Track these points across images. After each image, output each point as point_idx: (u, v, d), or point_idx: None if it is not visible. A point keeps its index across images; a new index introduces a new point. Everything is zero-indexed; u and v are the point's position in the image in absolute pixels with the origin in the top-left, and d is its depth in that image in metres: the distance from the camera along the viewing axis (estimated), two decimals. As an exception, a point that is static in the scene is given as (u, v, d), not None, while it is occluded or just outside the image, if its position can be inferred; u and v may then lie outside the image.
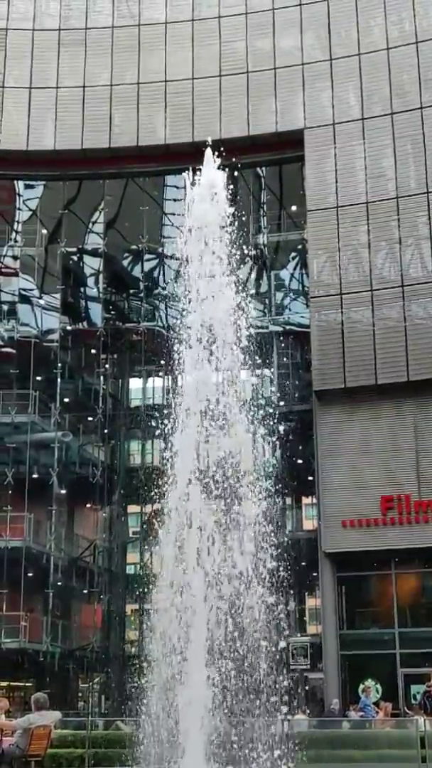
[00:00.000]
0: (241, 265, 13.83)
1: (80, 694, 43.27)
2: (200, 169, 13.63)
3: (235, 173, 13.92)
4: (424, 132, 33.61)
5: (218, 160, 13.85)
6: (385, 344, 32.40)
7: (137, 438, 43.60)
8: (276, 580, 12.48)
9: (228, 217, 13.52)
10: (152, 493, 13.59)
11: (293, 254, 40.09)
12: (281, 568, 12.60)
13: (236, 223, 13.62)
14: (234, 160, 13.79)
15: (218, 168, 13.81)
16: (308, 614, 43.14)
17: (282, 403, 38.95)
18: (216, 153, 13.96)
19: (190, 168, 13.68)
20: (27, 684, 39.14)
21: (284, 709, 12.17)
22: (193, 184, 13.56)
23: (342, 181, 34.48)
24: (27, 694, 35.21)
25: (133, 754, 12.76)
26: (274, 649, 12.21)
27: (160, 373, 42.20)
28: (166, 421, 13.20)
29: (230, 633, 12.01)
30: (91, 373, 41.78)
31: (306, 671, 37.47)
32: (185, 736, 11.55)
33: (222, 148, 14.30)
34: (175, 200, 39.10)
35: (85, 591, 41.95)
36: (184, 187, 13.81)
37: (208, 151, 13.87)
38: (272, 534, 12.63)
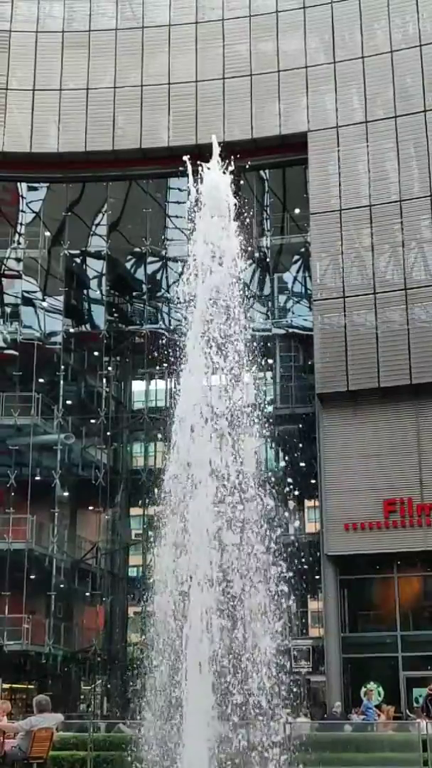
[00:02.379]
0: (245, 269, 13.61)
1: (82, 697, 43.24)
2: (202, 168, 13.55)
3: (240, 178, 13.62)
4: (427, 135, 33.61)
5: (229, 168, 13.74)
6: (387, 347, 32.39)
7: (140, 440, 43.62)
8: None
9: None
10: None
11: (296, 257, 40.09)
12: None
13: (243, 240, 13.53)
14: (246, 162, 13.71)
15: (230, 172, 13.67)
16: (310, 617, 43.11)
17: (284, 406, 38.99)
18: (220, 156, 13.89)
19: (189, 164, 13.62)
20: (29, 686, 39.16)
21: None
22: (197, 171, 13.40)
23: (345, 184, 34.49)
24: (29, 696, 35.23)
25: (135, 757, 12.73)
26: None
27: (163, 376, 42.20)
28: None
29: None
30: (94, 375, 41.80)
31: (308, 674, 37.50)
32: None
33: (236, 152, 14.25)
34: (178, 203, 39.17)
35: (87, 593, 41.98)
36: (188, 191, 13.70)
37: (215, 145, 13.77)
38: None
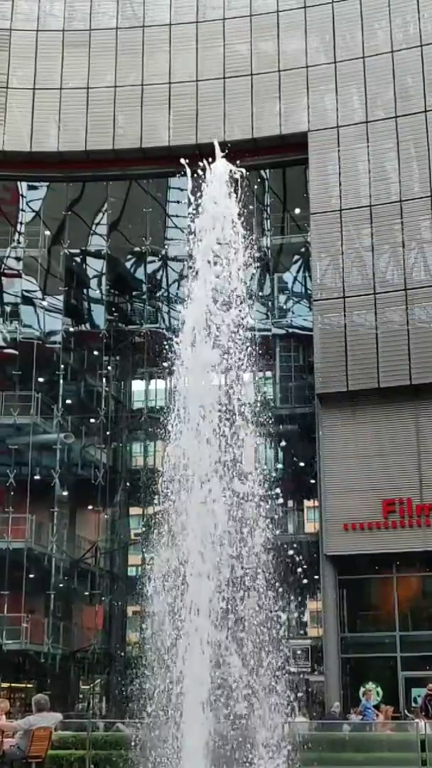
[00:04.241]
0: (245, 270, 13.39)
1: (81, 696, 43.26)
2: (202, 171, 13.41)
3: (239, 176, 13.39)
4: (427, 135, 33.60)
5: (237, 171, 13.51)
6: (387, 347, 32.39)
7: (139, 440, 43.61)
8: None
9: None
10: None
11: (296, 257, 40.11)
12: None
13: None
14: (238, 162, 13.50)
15: (233, 178, 13.43)
16: (309, 617, 43.12)
17: (284, 406, 38.99)
18: (222, 155, 13.77)
19: (188, 169, 13.53)
20: (28, 685, 39.16)
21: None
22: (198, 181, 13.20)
23: (345, 184, 34.49)
24: (28, 695, 35.23)
25: (134, 756, 12.71)
26: None
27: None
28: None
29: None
30: (94, 374, 41.80)
31: (307, 674, 37.51)
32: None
33: (238, 156, 14.12)
34: (178, 202, 39.14)
35: (86, 593, 41.98)
36: (188, 200, 13.57)
37: (217, 151, 13.58)
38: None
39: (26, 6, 38.59)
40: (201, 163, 13.21)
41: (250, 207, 14.00)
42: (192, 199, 13.19)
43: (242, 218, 13.16)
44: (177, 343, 12.81)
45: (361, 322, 33.22)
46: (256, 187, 38.99)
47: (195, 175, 13.29)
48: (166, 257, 40.59)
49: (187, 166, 13.42)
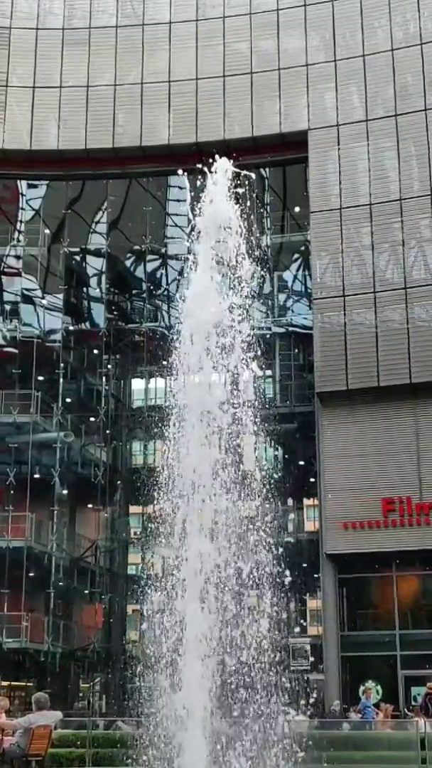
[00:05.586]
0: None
1: (81, 694, 43.27)
2: (203, 173, 13.35)
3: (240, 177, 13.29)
4: (427, 134, 33.58)
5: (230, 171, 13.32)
6: (387, 346, 32.37)
7: (139, 439, 43.62)
8: None
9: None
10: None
11: (296, 256, 40.10)
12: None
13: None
14: (240, 160, 13.42)
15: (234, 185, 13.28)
16: (309, 616, 43.12)
17: (284, 404, 38.99)
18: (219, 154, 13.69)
19: (186, 173, 13.42)
20: (28, 684, 39.17)
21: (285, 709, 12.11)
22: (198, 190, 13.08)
23: (345, 183, 34.47)
24: (28, 693, 35.23)
25: (134, 754, 12.72)
26: None
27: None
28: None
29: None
30: (94, 373, 41.80)
31: (307, 672, 37.49)
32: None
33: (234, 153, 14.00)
34: (178, 201, 39.15)
35: (86, 591, 41.98)
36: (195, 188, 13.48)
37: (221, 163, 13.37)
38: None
39: (26, 4, 38.54)
40: (200, 165, 13.16)
41: (251, 206, 13.82)
42: (190, 215, 13.13)
43: (247, 223, 13.14)
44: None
45: (360, 321, 33.21)
46: (254, 187, 38.97)
47: (195, 186, 13.22)
48: (166, 256, 40.59)
49: (186, 177, 13.38)
